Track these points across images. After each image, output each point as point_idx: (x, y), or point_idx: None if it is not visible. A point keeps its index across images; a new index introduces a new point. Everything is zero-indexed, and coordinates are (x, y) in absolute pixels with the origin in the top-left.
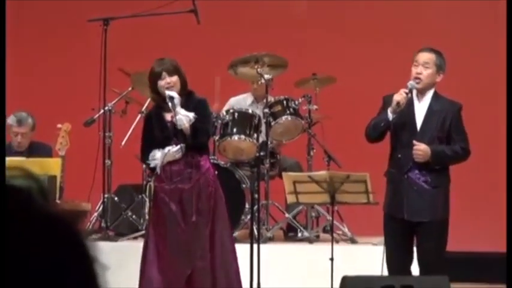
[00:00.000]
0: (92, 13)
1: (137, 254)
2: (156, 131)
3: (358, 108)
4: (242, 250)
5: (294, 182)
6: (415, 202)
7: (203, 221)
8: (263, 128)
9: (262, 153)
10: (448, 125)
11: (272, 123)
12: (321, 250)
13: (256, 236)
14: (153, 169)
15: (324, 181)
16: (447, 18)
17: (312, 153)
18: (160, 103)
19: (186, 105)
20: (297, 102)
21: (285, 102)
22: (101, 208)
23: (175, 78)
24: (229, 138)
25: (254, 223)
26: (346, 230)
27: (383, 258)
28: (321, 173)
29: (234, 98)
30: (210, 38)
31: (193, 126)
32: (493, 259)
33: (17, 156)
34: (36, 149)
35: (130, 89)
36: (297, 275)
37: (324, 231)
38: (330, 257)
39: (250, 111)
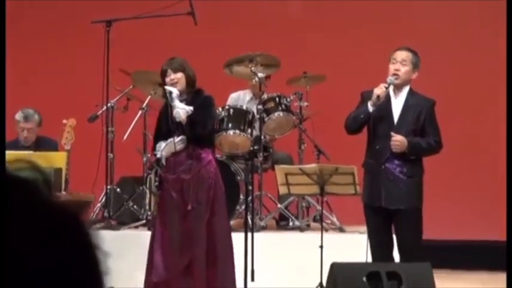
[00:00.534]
0: (95, 15)
1: (138, 242)
2: (162, 125)
3: (346, 105)
4: (237, 238)
5: (286, 174)
6: (392, 190)
7: (202, 211)
8: (257, 123)
9: (256, 147)
10: (422, 119)
11: (265, 119)
12: (311, 238)
13: (250, 225)
14: (160, 159)
15: (314, 173)
16: (434, 18)
17: (302, 147)
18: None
19: (192, 102)
20: (288, 99)
21: (277, 99)
22: (104, 199)
23: (179, 75)
24: (224, 133)
25: (248, 213)
26: (334, 219)
27: (367, 246)
28: (311, 166)
29: (233, 94)
30: (206, 39)
31: (190, 118)
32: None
33: (24, 150)
34: (43, 143)
35: (131, 86)
36: (288, 262)
37: (314, 220)
38: (320, 244)
39: (244, 107)
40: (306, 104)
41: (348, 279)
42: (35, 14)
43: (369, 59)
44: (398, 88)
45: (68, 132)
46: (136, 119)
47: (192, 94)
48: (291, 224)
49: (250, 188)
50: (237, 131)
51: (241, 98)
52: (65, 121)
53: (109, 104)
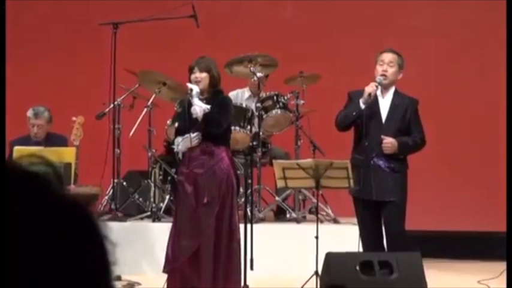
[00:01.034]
0: (102, 17)
1: (143, 233)
2: (181, 120)
3: (340, 103)
4: None
5: (283, 169)
6: (382, 184)
7: (212, 205)
8: (256, 120)
9: (255, 143)
10: (408, 117)
11: (264, 116)
12: (307, 229)
13: (250, 217)
14: (177, 153)
15: (309, 168)
16: (430, 18)
17: (299, 143)
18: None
19: (211, 101)
20: (286, 98)
21: (275, 97)
22: (111, 192)
23: (204, 75)
24: None
25: (248, 205)
26: (329, 211)
27: (361, 236)
28: (307, 161)
29: (232, 92)
30: (207, 40)
31: (207, 116)
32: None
33: (35, 146)
34: (53, 140)
35: (137, 85)
36: (285, 251)
37: (310, 212)
38: (315, 235)
39: (244, 105)
40: (302, 102)
41: (341, 268)
42: (47, 17)
43: (361, 59)
44: (385, 88)
45: (77, 129)
46: (141, 116)
47: (211, 94)
48: (288, 215)
49: (249, 181)
50: (237, 128)
51: (239, 96)
52: (74, 118)
53: (116, 102)
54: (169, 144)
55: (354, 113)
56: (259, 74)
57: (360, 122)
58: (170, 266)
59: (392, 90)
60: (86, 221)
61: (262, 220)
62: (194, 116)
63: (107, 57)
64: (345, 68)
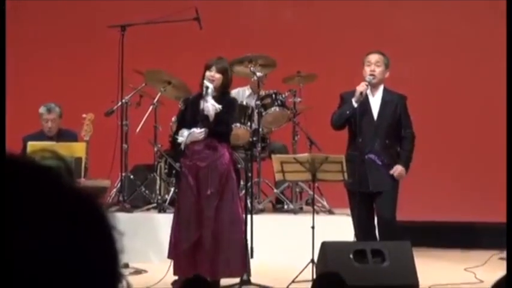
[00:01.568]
0: (111, 21)
1: (149, 223)
2: (188, 114)
3: (335, 101)
4: None
5: (282, 163)
6: (376, 176)
7: (213, 196)
8: (255, 117)
9: (254, 139)
10: (398, 113)
11: (263, 113)
12: (303, 220)
13: (250, 208)
14: (179, 144)
15: (306, 162)
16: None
17: (296, 139)
18: (201, 91)
19: (219, 101)
20: (284, 96)
21: (273, 95)
22: (119, 185)
23: (218, 76)
24: None
25: (248, 197)
26: (325, 203)
27: (354, 226)
28: (304, 155)
29: (233, 91)
30: (210, 41)
31: (217, 115)
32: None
33: (47, 141)
34: (65, 135)
35: (143, 84)
36: (283, 241)
37: (306, 204)
38: (312, 225)
39: (244, 103)
40: (299, 100)
41: (336, 256)
42: (58, 19)
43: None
44: (374, 87)
45: (87, 125)
46: (148, 113)
47: (220, 94)
48: (286, 207)
49: (249, 175)
50: (238, 124)
51: (240, 94)
52: (84, 115)
53: (123, 100)
54: (172, 136)
55: (348, 112)
56: (258, 74)
57: (353, 120)
58: (174, 253)
59: (381, 88)
60: (95, 212)
61: (261, 211)
62: (206, 113)
63: (115, 58)
64: (340, 68)
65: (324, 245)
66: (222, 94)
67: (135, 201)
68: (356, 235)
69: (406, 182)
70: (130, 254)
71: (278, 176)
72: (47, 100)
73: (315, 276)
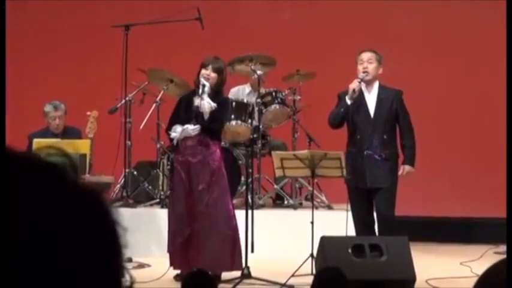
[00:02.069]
0: (115, 20)
1: (152, 219)
2: (182, 110)
3: (334, 99)
4: (239, 215)
5: (281, 159)
6: (375, 172)
7: (204, 192)
8: (256, 114)
9: (255, 136)
10: (394, 108)
11: (263, 111)
12: (303, 215)
13: (250, 204)
14: (172, 139)
15: (305, 158)
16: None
17: (296, 136)
18: (196, 89)
19: (213, 100)
20: (283, 94)
21: (274, 93)
22: (122, 181)
23: (214, 75)
24: (228, 123)
25: (248, 193)
26: (324, 198)
27: (354, 221)
28: (303, 152)
29: (234, 89)
30: (212, 41)
31: (212, 113)
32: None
33: (53, 138)
34: (69, 132)
35: (146, 82)
36: (283, 236)
37: (306, 199)
38: (311, 220)
39: (245, 101)
40: (298, 97)
41: (335, 251)
42: (63, 19)
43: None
44: (369, 84)
45: (91, 122)
46: (151, 111)
47: (213, 93)
48: (285, 202)
49: (250, 171)
50: (239, 122)
51: (241, 92)
52: (88, 113)
53: (127, 98)
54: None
55: (342, 110)
56: (259, 72)
57: (350, 118)
58: (171, 248)
59: (376, 84)
60: (100, 207)
61: (262, 206)
62: (201, 110)
63: (118, 57)
64: (339, 67)
65: (323, 239)
66: (216, 93)
67: (138, 196)
68: (356, 230)
69: (403, 177)
70: (134, 249)
71: (278, 172)
72: (52, 98)
73: (314, 271)
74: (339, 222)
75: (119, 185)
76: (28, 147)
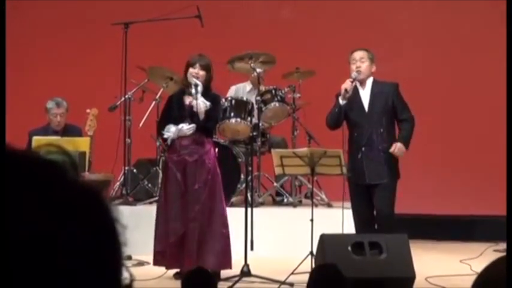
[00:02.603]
0: (114, 18)
1: (152, 216)
2: (175, 110)
3: (333, 97)
4: (238, 213)
5: (281, 157)
6: (374, 168)
7: (200, 191)
8: (255, 112)
9: (255, 133)
10: (390, 102)
11: (263, 109)
12: (303, 213)
13: (250, 201)
14: (165, 139)
15: (305, 156)
16: (415, 17)
17: (295, 133)
18: (184, 87)
19: (205, 98)
20: (283, 91)
21: (273, 91)
22: (122, 178)
23: (202, 73)
24: (227, 121)
25: (248, 190)
26: (323, 196)
27: (354, 218)
28: (303, 150)
29: (234, 86)
30: (211, 39)
31: (207, 112)
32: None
33: (53, 135)
34: (69, 130)
35: (146, 80)
36: (283, 233)
37: (305, 197)
38: (310, 218)
39: (245, 98)
40: (298, 95)
41: (335, 248)
42: (63, 16)
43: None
44: (364, 82)
45: (91, 120)
46: (150, 108)
47: (204, 90)
48: (285, 200)
49: (250, 169)
50: (239, 119)
51: (241, 89)
52: (88, 110)
53: (127, 96)
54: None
55: (336, 110)
56: (258, 70)
57: (347, 116)
58: (162, 247)
59: (370, 81)
60: (99, 205)
61: (261, 204)
62: (196, 110)
63: (118, 54)
64: (338, 65)
65: (323, 237)
66: (206, 90)
67: (137, 194)
68: (356, 227)
69: (403, 175)
70: (133, 246)
71: (278, 170)
72: (52, 95)
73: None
74: (339, 220)
75: (118, 183)
76: (28, 144)
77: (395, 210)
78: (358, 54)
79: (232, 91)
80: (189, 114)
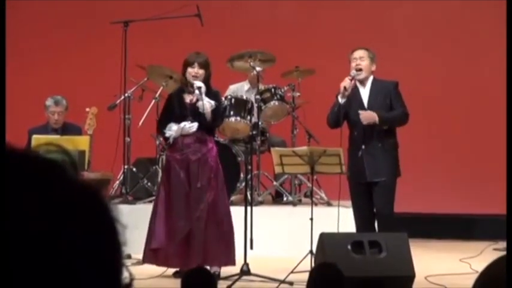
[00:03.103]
0: (114, 17)
1: None
2: (176, 109)
3: (332, 95)
4: (238, 211)
5: (281, 156)
6: (374, 166)
7: (203, 190)
8: (255, 111)
9: (254, 132)
10: (389, 100)
11: (262, 107)
12: (302, 211)
13: (250, 200)
14: (167, 138)
15: (305, 155)
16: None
17: (295, 132)
18: (183, 86)
19: (206, 96)
20: (283, 90)
21: (273, 90)
22: (121, 177)
23: (201, 72)
24: (227, 120)
25: (248, 189)
26: (323, 195)
27: (354, 217)
28: (303, 148)
29: (233, 86)
30: (211, 37)
31: (213, 112)
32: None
33: (53, 134)
34: (69, 129)
35: (146, 79)
36: (282, 232)
37: (305, 196)
38: (310, 217)
39: (244, 97)
40: (298, 94)
41: (334, 247)
42: (62, 15)
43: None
44: (364, 80)
45: (90, 119)
46: (150, 107)
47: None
48: (285, 199)
49: (249, 167)
50: (238, 118)
51: (240, 88)
52: (87, 109)
53: (126, 95)
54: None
55: (336, 109)
56: (258, 69)
57: (347, 115)
58: (160, 244)
59: (370, 80)
60: (99, 204)
61: (261, 203)
62: (204, 111)
63: (118, 53)
64: (338, 63)
65: (322, 236)
66: (207, 88)
67: (137, 193)
68: (356, 225)
69: (403, 174)
70: (133, 245)
71: (277, 169)
72: (51, 94)
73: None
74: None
75: (118, 182)
76: (28, 143)
77: (394, 209)
78: (359, 53)
79: (231, 91)
80: (191, 113)
